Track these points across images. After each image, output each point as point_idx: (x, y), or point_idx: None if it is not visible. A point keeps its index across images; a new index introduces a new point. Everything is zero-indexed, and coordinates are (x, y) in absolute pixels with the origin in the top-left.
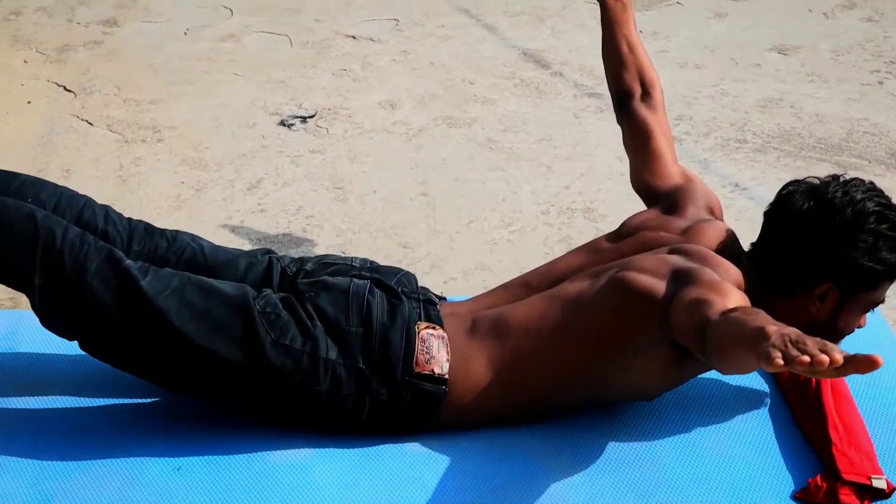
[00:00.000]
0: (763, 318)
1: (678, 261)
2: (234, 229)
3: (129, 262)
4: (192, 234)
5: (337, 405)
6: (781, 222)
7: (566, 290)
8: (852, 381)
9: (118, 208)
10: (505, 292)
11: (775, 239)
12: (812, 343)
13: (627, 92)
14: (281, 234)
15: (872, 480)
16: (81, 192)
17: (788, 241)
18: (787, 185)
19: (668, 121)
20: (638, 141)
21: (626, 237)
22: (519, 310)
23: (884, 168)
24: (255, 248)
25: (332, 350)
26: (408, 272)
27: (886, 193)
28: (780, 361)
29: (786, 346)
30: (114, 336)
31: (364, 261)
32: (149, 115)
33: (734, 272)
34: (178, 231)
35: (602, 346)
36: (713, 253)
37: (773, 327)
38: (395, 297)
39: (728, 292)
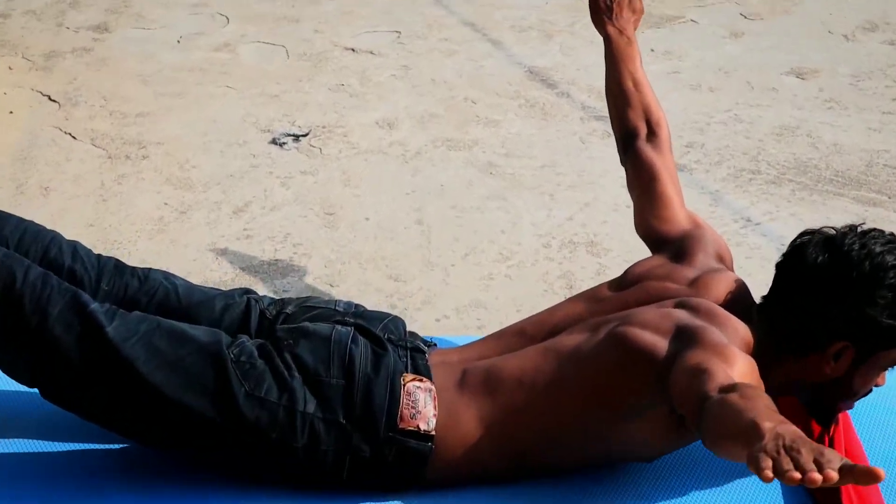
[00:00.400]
0: (760, 409)
1: (684, 317)
2: (217, 256)
3: (94, 305)
4: (164, 272)
5: (315, 461)
6: (794, 275)
7: (563, 343)
8: (868, 443)
9: (97, 230)
10: (498, 341)
11: (787, 293)
12: (807, 452)
13: (632, 131)
14: (266, 262)
15: None
16: (60, 212)
17: (801, 296)
18: (801, 234)
19: (674, 162)
20: (643, 183)
21: (629, 286)
22: (512, 362)
23: None
24: (238, 278)
25: (310, 403)
26: (396, 317)
27: None
28: (770, 475)
29: (778, 451)
30: (77, 384)
31: (348, 304)
32: (135, 129)
33: (743, 331)
34: (150, 269)
35: (597, 402)
36: (721, 309)
37: (769, 424)
38: (379, 346)
39: (734, 359)
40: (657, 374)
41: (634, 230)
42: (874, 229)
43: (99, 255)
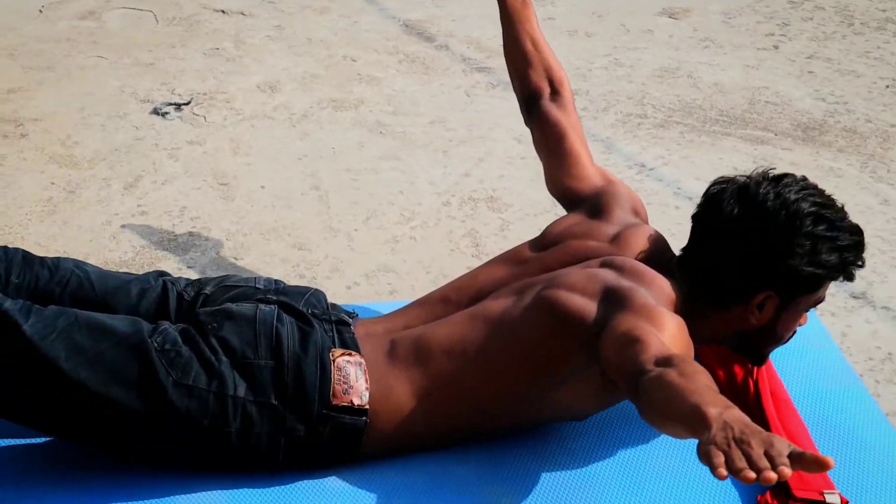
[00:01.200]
0: (702, 390)
1: (610, 277)
2: (114, 236)
3: (7, 303)
4: (75, 261)
5: (249, 445)
6: (711, 229)
7: (489, 309)
8: (792, 386)
9: None
10: (422, 309)
11: (706, 247)
12: (757, 444)
13: (535, 92)
14: (166, 239)
15: (825, 496)
16: None
17: (720, 249)
18: (714, 183)
19: (579, 120)
20: (551, 143)
21: (550, 246)
22: (440, 330)
23: (791, 141)
24: (138, 257)
25: (240, 387)
26: (316, 290)
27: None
28: (724, 473)
29: (728, 444)
30: (6, 390)
31: (268, 281)
32: (8, 105)
33: (667, 289)
34: (59, 258)
35: (529, 370)
36: (646, 267)
37: (714, 411)
38: (305, 323)
39: (663, 321)
40: (588, 337)
41: (535, 185)
42: (787, 175)
43: (5, 248)
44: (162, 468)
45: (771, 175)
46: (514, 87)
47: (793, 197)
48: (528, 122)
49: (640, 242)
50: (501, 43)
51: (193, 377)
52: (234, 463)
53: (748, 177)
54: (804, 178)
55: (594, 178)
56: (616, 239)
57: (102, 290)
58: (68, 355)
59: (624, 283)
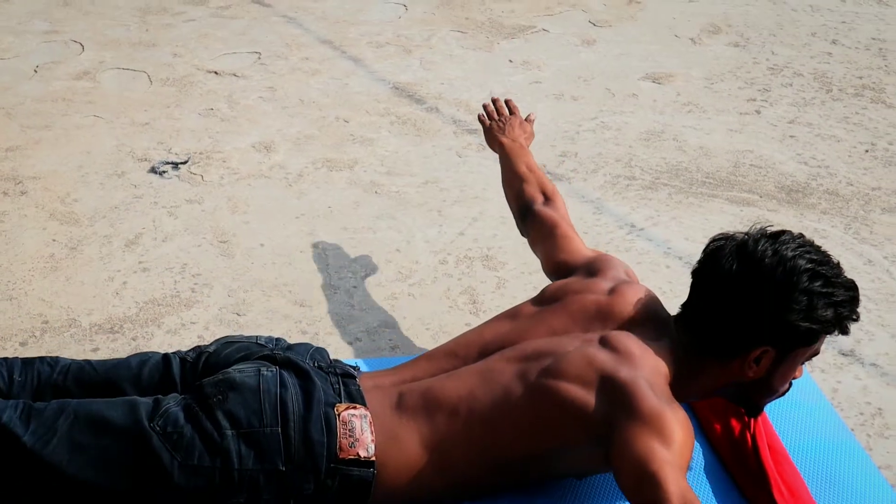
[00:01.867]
0: None
1: (607, 363)
2: (117, 292)
3: (7, 415)
4: (70, 359)
5: None
6: (710, 285)
7: (497, 371)
8: (787, 439)
9: None
10: (429, 363)
11: (705, 302)
12: None
13: (529, 201)
14: (169, 295)
15: None
16: None
17: (719, 305)
18: (713, 239)
19: (570, 220)
20: (545, 233)
21: (550, 303)
22: (448, 384)
23: (776, 203)
24: (142, 312)
25: (246, 459)
26: (319, 347)
27: (815, 243)
28: None
29: None
30: (7, 497)
31: (269, 339)
32: (7, 164)
33: (661, 368)
34: (57, 357)
35: (534, 444)
36: (638, 347)
37: None
38: (308, 381)
39: (670, 433)
40: (592, 430)
41: (528, 245)
42: (784, 232)
43: (4, 357)
44: None
45: (769, 232)
46: (510, 206)
47: (790, 254)
48: (522, 229)
49: (635, 296)
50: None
51: (198, 457)
52: None
53: (746, 234)
54: (801, 236)
55: (586, 252)
56: (612, 292)
57: (103, 368)
58: (71, 458)
59: (622, 374)
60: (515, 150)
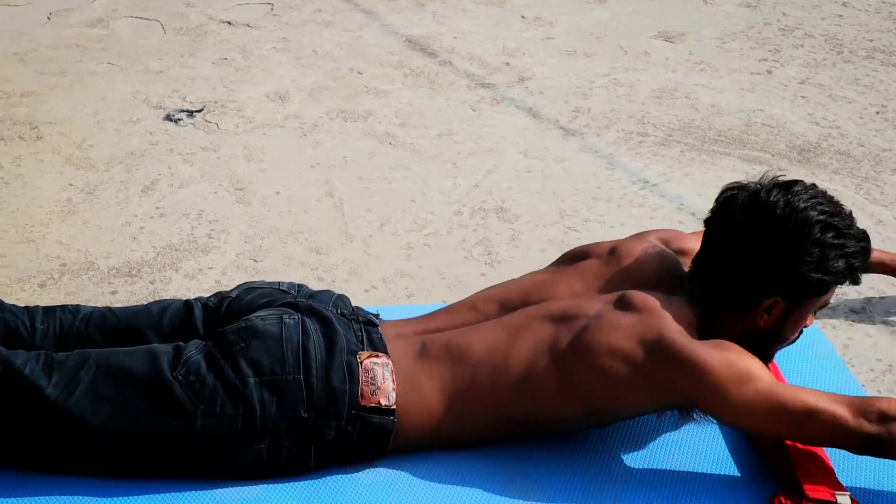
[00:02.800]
0: None
1: (637, 327)
2: (134, 236)
3: (29, 368)
4: (92, 306)
5: (281, 458)
6: (722, 235)
7: (522, 327)
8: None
9: (5, 214)
10: (451, 315)
11: (717, 253)
12: None
13: None
14: (186, 240)
15: (837, 497)
16: None
17: (731, 256)
18: (726, 188)
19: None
20: None
21: (569, 263)
22: (472, 337)
23: (787, 162)
24: (160, 257)
25: (269, 406)
26: (342, 294)
27: (827, 193)
28: None
29: None
30: (28, 448)
31: (291, 285)
32: (23, 109)
33: (684, 313)
34: (78, 305)
35: (562, 404)
36: (656, 300)
37: None
38: (330, 328)
39: (750, 372)
40: (641, 395)
41: (542, 197)
42: (797, 182)
43: (26, 306)
44: (197, 479)
45: (781, 182)
46: None
47: (802, 205)
48: None
49: (639, 255)
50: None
51: (220, 405)
52: (266, 474)
53: (759, 183)
54: (813, 186)
55: None
56: (613, 252)
57: (125, 316)
58: (95, 410)
59: (671, 337)
60: None
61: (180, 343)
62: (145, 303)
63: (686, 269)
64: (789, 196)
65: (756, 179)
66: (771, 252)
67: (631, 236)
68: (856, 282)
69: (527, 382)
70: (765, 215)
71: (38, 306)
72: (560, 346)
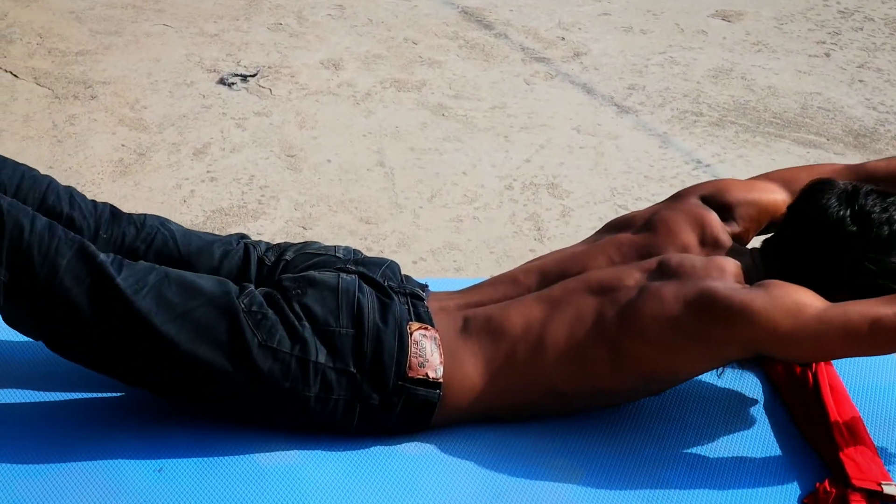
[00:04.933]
0: None
1: (677, 294)
2: (185, 199)
3: (102, 256)
4: (160, 218)
5: (326, 410)
6: (809, 222)
7: (563, 301)
8: (847, 381)
9: (58, 172)
10: (494, 289)
11: (799, 238)
12: None
13: None
14: (236, 205)
15: (883, 486)
16: (15, 154)
17: (815, 242)
18: (814, 182)
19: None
20: None
21: (606, 234)
22: (513, 311)
23: (843, 146)
24: (209, 221)
25: (321, 353)
26: (392, 262)
27: None
28: None
29: None
30: (87, 337)
31: (347, 250)
32: (77, 67)
33: (729, 266)
34: (145, 215)
35: (616, 372)
36: (697, 260)
37: None
38: (385, 295)
39: (801, 299)
40: (710, 358)
41: (594, 174)
42: (891, 194)
43: (94, 202)
44: (242, 423)
45: (876, 189)
46: None
47: None
48: None
49: (676, 224)
50: (560, 36)
51: (278, 340)
52: (310, 425)
53: (852, 184)
54: None
55: None
56: (648, 224)
57: (186, 251)
58: (158, 310)
59: (713, 292)
60: None
61: (244, 283)
62: (208, 233)
63: (729, 227)
64: (886, 204)
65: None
66: (857, 249)
67: (671, 198)
68: None
69: (571, 356)
70: (861, 214)
71: (107, 206)
72: (605, 320)
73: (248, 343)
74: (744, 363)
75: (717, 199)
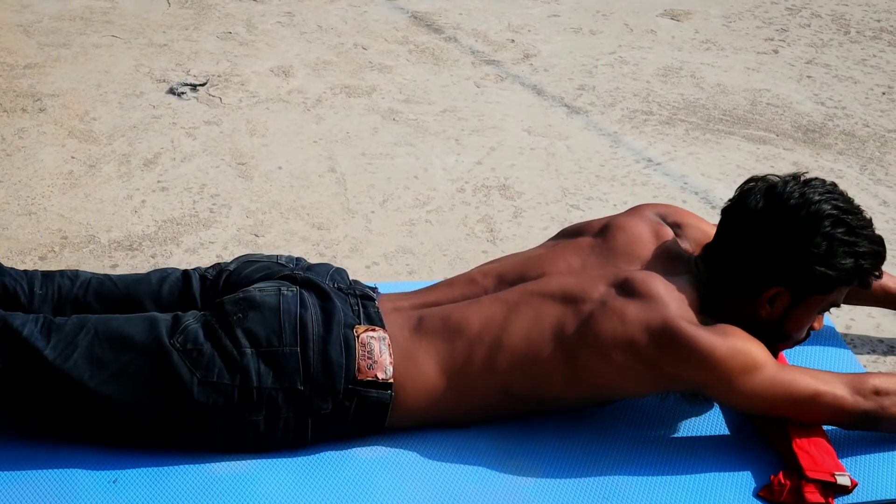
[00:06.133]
0: None
1: (637, 316)
2: (136, 210)
3: (28, 328)
4: (91, 272)
5: (277, 429)
6: (734, 222)
7: (522, 304)
8: None
9: (7, 186)
10: (450, 289)
11: (729, 239)
12: None
13: None
14: (188, 214)
15: (836, 477)
16: None
17: (741, 241)
18: (748, 180)
19: None
20: None
21: (564, 238)
22: (470, 312)
23: (792, 142)
24: (161, 231)
25: (265, 376)
26: (339, 268)
27: (851, 198)
28: None
29: None
30: (27, 408)
31: (289, 258)
32: (25, 80)
33: (686, 295)
34: (76, 270)
35: (563, 384)
36: (656, 285)
37: None
38: (327, 301)
39: (754, 360)
40: (638, 380)
41: (545, 175)
42: (815, 179)
43: (25, 270)
44: (195, 450)
45: (801, 177)
46: None
47: (816, 198)
48: None
49: (633, 232)
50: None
51: (217, 374)
52: (264, 446)
53: (779, 176)
54: (833, 184)
55: None
56: (604, 230)
57: (123, 284)
58: (92, 373)
59: (677, 325)
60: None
61: (179, 313)
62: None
63: (682, 244)
64: (805, 188)
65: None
66: (780, 241)
67: (627, 211)
68: (864, 285)
69: (527, 360)
70: (778, 204)
71: (37, 270)
72: (566, 330)
73: (186, 384)
74: (686, 396)
75: (670, 217)
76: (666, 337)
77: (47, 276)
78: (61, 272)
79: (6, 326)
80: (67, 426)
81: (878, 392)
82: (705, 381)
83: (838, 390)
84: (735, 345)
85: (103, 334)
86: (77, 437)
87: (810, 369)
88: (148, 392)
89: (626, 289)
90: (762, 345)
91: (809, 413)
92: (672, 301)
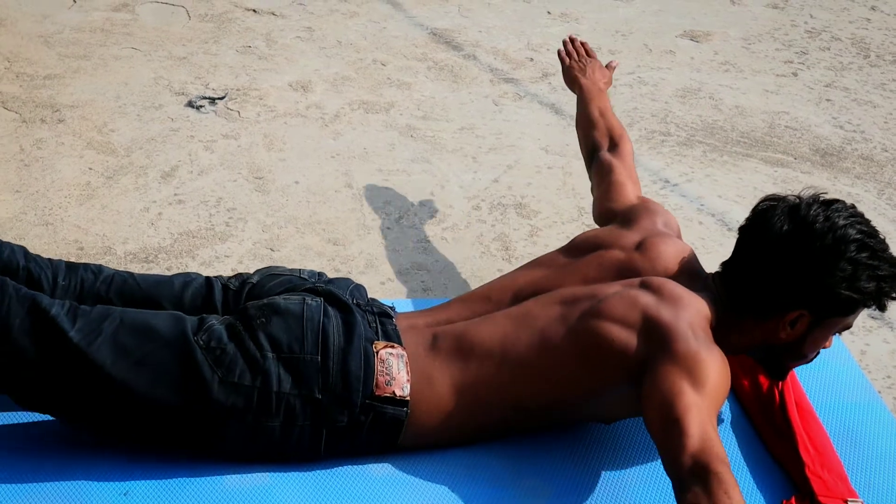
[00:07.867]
0: None
1: (650, 304)
2: (152, 222)
3: (55, 309)
4: (114, 269)
5: (293, 438)
6: (757, 242)
7: (533, 315)
8: (814, 399)
9: (24, 196)
10: (463, 306)
11: (750, 259)
12: None
13: (596, 146)
14: (204, 227)
15: (849, 503)
16: None
17: (764, 263)
18: (764, 199)
19: (634, 165)
20: (601, 177)
21: (584, 254)
22: (483, 328)
23: (810, 165)
24: (177, 244)
25: (285, 382)
26: (358, 284)
27: (869, 220)
28: None
29: None
30: (47, 390)
31: (312, 273)
32: (45, 91)
33: (704, 310)
34: (100, 265)
35: (569, 387)
36: (681, 290)
37: None
38: (349, 314)
39: (703, 375)
40: (631, 370)
41: (561, 194)
42: (837, 201)
43: (49, 258)
44: (208, 456)
45: (822, 198)
46: (581, 150)
47: (841, 222)
48: (588, 172)
49: (666, 251)
50: (529, 57)
51: (238, 374)
52: (277, 455)
53: (799, 197)
54: (853, 206)
55: (631, 199)
56: (641, 246)
57: (146, 285)
58: (114, 359)
59: (664, 314)
60: (594, 92)
61: (204, 315)
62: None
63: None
64: (829, 212)
65: (795, 193)
66: (805, 264)
67: (656, 233)
68: (882, 308)
69: (536, 367)
70: (803, 227)
71: (62, 261)
72: (570, 321)
73: (207, 381)
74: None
75: (672, 225)
76: (661, 330)
77: (71, 267)
78: (85, 265)
79: (35, 305)
80: (81, 414)
81: (708, 490)
82: (654, 354)
83: (685, 457)
84: (705, 356)
85: (129, 324)
86: (93, 427)
87: (717, 438)
88: (168, 385)
89: (644, 284)
90: (727, 380)
91: (662, 441)
92: (691, 306)
